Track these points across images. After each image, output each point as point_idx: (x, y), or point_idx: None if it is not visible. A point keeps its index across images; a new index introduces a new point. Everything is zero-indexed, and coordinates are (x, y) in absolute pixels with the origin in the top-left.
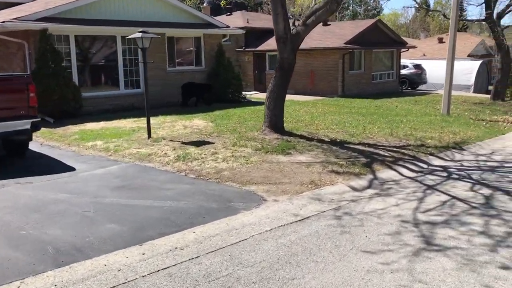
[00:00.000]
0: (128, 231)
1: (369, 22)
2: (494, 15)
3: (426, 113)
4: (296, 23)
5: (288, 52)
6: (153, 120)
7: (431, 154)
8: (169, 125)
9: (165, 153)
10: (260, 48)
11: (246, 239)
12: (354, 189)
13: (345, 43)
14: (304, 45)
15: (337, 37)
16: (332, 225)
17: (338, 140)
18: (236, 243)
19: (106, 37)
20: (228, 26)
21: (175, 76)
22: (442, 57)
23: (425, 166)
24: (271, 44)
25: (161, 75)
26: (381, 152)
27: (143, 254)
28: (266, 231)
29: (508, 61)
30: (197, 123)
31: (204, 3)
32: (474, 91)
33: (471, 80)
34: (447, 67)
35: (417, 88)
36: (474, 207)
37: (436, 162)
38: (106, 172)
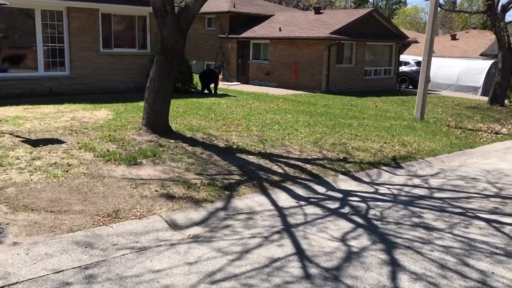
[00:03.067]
0: None
1: (362, 11)
2: (499, 8)
3: (396, 117)
4: None
5: (170, 30)
6: (53, 108)
7: (346, 173)
8: (58, 115)
9: None
10: (244, 35)
11: None
12: (174, 225)
13: (331, 33)
14: (287, 33)
15: (325, 27)
16: None
17: (235, 147)
18: None
19: (22, 11)
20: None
21: (110, 59)
22: (452, 55)
23: (322, 190)
24: (256, 31)
25: (92, 57)
26: (275, 167)
27: None
28: None
29: (509, 61)
30: (97, 114)
31: None
32: (483, 94)
33: (480, 81)
34: (422, 65)
35: None
36: (303, 278)
37: (344, 185)
38: None
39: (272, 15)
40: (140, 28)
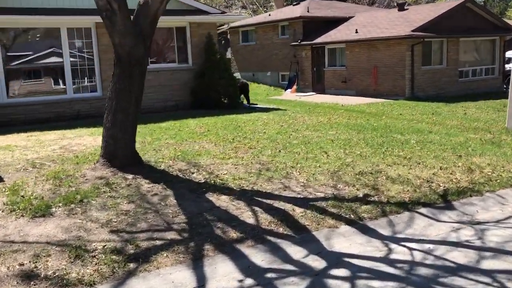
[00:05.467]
0: None
1: (453, 3)
2: None
3: (482, 128)
4: None
5: (122, 34)
6: (58, 134)
7: (354, 222)
8: (52, 143)
9: None
10: (318, 40)
11: None
12: None
13: (413, 30)
14: (364, 35)
15: (407, 24)
16: None
17: (213, 182)
18: None
19: (47, 30)
20: (223, 12)
21: (146, 77)
22: None
23: (298, 254)
24: (331, 35)
25: None
26: (246, 215)
27: None
28: None
29: None
30: (97, 140)
31: None
32: None
33: None
34: None
35: None
36: None
37: (342, 243)
38: None
39: (352, 17)
40: (180, 40)
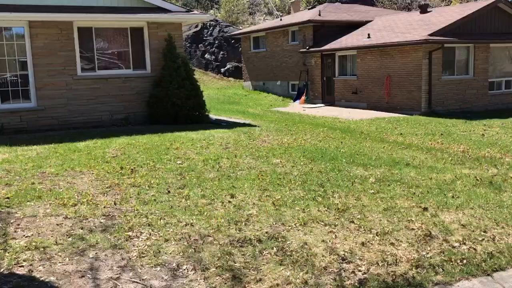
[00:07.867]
0: None
1: (481, 3)
2: None
3: (492, 156)
4: None
5: None
6: None
7: None
8: None
9: None
10: (327, 47)
11: None
12: None
13: (430, 35)
14: (376, 40)
15: (426, 27)
16: None
17: None
18: None
19: None
20: (189, 10)
21: (92, 85)
22: None
23: None
24: (342, 41)
25: (67, 83)
26: None
27: None
28: None
29: None
30: None
31: None
32: None
33: None
34: None
35: None
36: None
37: None
38: None
39: (370, 21)
40: (137, 42)
